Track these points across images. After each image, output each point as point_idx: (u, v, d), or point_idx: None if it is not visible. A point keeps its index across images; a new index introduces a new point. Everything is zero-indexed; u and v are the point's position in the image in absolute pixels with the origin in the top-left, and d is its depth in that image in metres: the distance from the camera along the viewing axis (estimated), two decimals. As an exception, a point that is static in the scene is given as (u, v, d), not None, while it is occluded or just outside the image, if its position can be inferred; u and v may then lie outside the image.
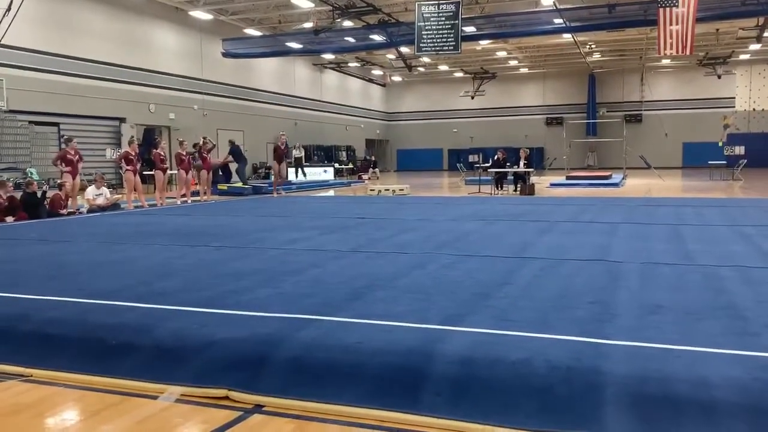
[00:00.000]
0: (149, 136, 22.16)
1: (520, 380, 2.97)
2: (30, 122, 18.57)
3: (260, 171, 28.04)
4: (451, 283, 4.97)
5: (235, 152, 20.28)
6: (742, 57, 33.60)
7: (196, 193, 16.45)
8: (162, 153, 15.04)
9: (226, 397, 3.20)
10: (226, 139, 25.94)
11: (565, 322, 3.79)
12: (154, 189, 15.33)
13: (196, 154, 16.10)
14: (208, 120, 25.31)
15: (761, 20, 23.04)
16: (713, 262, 5.77)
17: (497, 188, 18.43)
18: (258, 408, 3.10)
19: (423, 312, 4.05)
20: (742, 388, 2.74)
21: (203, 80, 25.33)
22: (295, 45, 24.69)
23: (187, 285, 5.11)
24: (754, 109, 36.30)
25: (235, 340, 3.57)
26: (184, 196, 15.75)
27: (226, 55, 25.04)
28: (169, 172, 16.10)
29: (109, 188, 14.58)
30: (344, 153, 35.85)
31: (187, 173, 15.70)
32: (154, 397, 3.24)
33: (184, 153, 15.61)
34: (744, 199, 14.74)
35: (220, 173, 20.69)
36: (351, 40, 24.69)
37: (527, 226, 8.88)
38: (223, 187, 19.33)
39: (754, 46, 29.00)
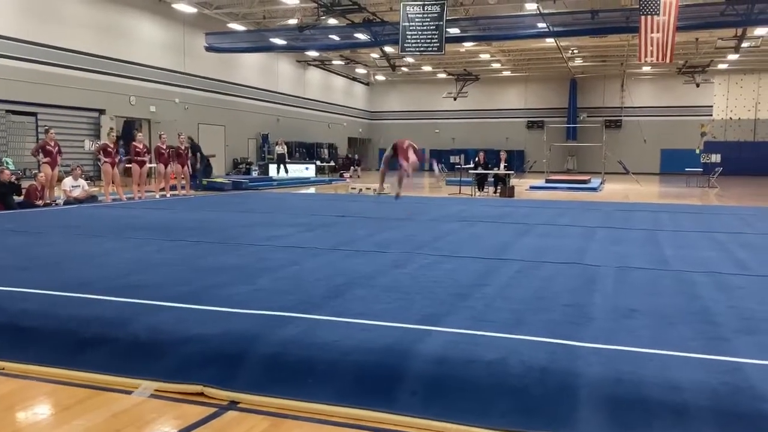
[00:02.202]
0: (129, 129, 21.91)
1: (496, 380, 3.00)
2: (7, 111, 18.26)
3: (241, 166, 27.86)
4: (429, 283, 4.99)
5: (193, 149, 20.08)
6: (721, 66, 34.14)
7: (175, 187, 16.30)
8: (139, 146, 14.87)
9: (201, 393, 3.19)
10: (206, 133, 25.83)
11: (541, 323, 3.83)
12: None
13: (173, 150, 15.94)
14: (190, 114, 25.09)
15: (739, 31, 23.44)
16: (687, 267, 5.86)
17: (478, 190, 18.53)
18: (233, 405, 3.09)
19: (401, 311, 4.06)
20: (712, 392, 2.79)
21: (185, 74, 25.09)
22: (279, 41, 24.57)
23: (164, 279, 5.07)
24: (730, 118, 37.00)
25: (211, 336, 3.56)
26: (162, 189, 15.60)
27: (209, 49, 24.85)
28: (147, 165, 15.90)
29: (86, 180, 14.40)
30: (326, 150, 35.76)
31: (166, 167, 15.55)
32: (128, 392, 3.22)
33: (164, 147, 15.47)
34: (719, 206, 14.99)
35: (201, 168, 20.52)
36: (335, 38, 24.64)
37: (506, 228, 8.94)
38: (203, 181, 19.18)
39: (732, 56, 29.48)
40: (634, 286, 4.99)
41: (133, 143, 15.06)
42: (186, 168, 16.27)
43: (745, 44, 24.67)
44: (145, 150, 15.18)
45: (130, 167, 14.92)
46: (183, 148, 16.14)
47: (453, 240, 7.71)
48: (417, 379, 3.07)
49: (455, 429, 2.79)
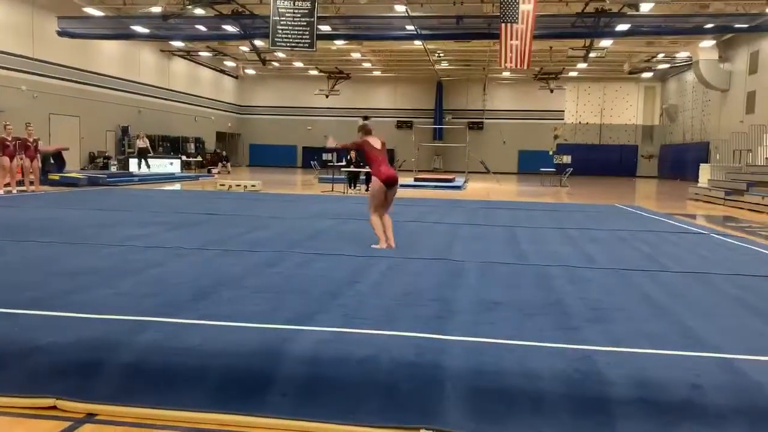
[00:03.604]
0: (-34, 118, 19.76)
1: (366, 377, 3.04)
2: None
3: (98, 161, 26.10)
4: (301, 282, 4.96)
5: None
6: (571, 74, 36.88)
7: (22, 183, 14.97)
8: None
9: (54, 407, 2.96)
10: (59, 124, 23.94)
11: (410, 318, 3.93)
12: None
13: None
14: (39, 103, 23.09)
15: (588, 42, 25.46)
16: (543, 261, 6.28)
17: (350, 187, 18.69)
18: (90, 417, 2.90)
19: (271, 312, 4.00)
20: (565, 379, 3.00)
21: (34, 59, 23.05)
22: (141, 29, 23.26)
23: (9, 284, 4.64)
24: (579, 122, 40.15)
25: (64, 344, 3.30)
26: (8, 185, 14.27)
27: (62, 34, 22.99)
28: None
29: None
30: (193, 145, 34.40)
31: (11, 160, 14.23)
32: (-34, 411, 2.91)
33: (10, 138, 14.15)
34: (570, 204, 16.18)
35: (52, 161, 18.98)
36: (202, 28, 23.76)
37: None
38: (54, 176, 17.75)
39: (581, 65, 31.97)
40: (496, 280, 5.27)
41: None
42: (35, 162, 15.01)
43: (592, 54, 26.83)
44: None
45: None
46: (32, 140, 14.88)
47: (326, 238, 7.72)
48: (287, 380, 3.04)
49: (325, 428, 2.80)
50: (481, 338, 3.54)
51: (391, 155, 38.32)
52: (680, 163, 33.40)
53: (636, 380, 2.97)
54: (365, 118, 7.92)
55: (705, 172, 22.89)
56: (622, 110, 39.91)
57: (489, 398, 2.90)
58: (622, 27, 21.65)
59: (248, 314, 3.91)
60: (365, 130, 7.48)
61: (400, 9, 21.93)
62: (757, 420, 2.74)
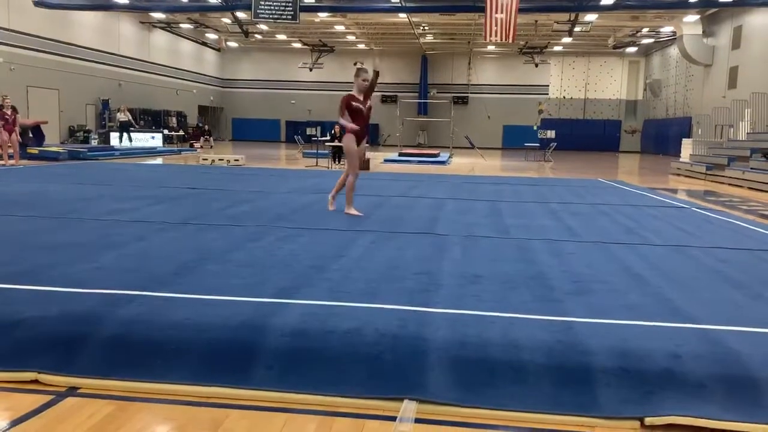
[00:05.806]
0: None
1: (351, 349, 3.05)
2: None
3: (78, 134, 25.71)
4: (286, 257, 4.95)
5: None
6: (556, 49, 36.78)
7: (0, 156, 14.72)
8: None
9: (36, 381, 2.94)
10: (37, 97, 23.52)
11: (394, 292, 3.95)
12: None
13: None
14: (17, 75, 22.64)
15: (573, 16, 25.36)
16: (526, 235, 6.31)
17: (334, 162, 18.61)
18: (72, 391, 2.88)
19: (256, 286, 3.99)
20: (548, 350, 3.04)
21: (10, 30, 22.54)
22: (120, 0, 22.80)
23: (-11, 259, 4.58)
24: (564, 97, 40.19)
25: (46, 318, 3.27)
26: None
27: (37, 4, 22.47)
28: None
29: None
30: (174, 119, 33.97)
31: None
32: (-54, 385, 2.89)
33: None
34: (553, 178, 16.25)
35: (31, 135, 18.66)
36: (183, -1, 23.34)
37: (361, 200, 9.05)
38: (34, 150, 17.47)
39: (566, 40, 31.88)
40: (480, 254, 5.30)
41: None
42: (14, 135, 14.76)
43: (577, 28, 26.75)
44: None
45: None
46: (9, 112, 14.61)
47: (309, 213, 7.69)
48: (273, 352, 3.04)
49: (310, 400, 2.81)
50: (465, 310, 3.57)
51: (375, 130, 38.08)
52: (663, 138, 33.61)
53: (617, 350, 3.02)
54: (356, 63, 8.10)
55: (687, 147, 23.06)
56: (606, 85, 40.00)
57: (471, 369, 2.93)
58: (608, 0, 21.58)
59: (232, 288, 3.90)
60: (359, 75, 7.90)
61: (384, -19, 21.66)
62: (734, 387, 2.80)
